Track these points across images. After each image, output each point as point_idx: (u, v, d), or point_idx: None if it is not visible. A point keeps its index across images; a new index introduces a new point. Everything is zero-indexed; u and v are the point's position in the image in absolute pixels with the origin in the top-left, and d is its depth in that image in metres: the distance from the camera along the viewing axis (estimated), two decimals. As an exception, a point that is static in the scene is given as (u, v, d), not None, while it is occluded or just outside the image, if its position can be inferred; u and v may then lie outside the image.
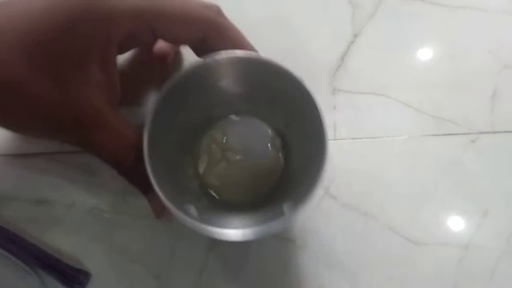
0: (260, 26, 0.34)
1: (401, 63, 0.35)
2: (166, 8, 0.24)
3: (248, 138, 0.30)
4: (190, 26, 0.24)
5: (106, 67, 0.24)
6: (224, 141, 0.30)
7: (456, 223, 0.31)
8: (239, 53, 0.24)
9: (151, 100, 0.24)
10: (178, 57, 0.32)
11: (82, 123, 0.24)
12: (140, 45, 0.26)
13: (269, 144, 0.30)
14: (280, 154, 0.30)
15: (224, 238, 0.23)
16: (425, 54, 0.35)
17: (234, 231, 0.23)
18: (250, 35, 0.29)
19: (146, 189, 0.24)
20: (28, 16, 0.22)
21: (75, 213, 0.30)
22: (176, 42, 0.28)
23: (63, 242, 0.29)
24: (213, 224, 0.23)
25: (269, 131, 0.30)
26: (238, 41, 0.26)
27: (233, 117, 0.30)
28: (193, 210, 0.24)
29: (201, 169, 0.29)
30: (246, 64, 0.25)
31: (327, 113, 0.33)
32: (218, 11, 0.25)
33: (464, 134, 0.33)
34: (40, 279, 0.28)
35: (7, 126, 0.25)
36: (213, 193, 0.29)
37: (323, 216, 0.31)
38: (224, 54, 0.24)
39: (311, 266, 0.30)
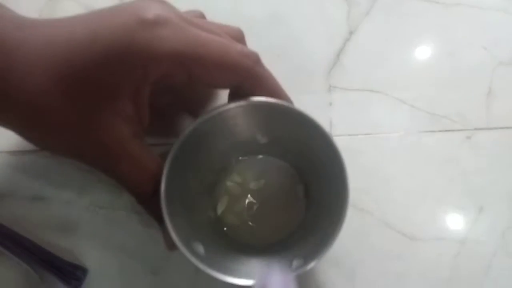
0: (256, 24, 0.34)
1: (396, 60, 0.35)
2: (206, 54, 0.24)
3: (273, 180, 0.30)
4: (226, 74, 0.24)
5: (137, 101, 0.24)
6: (248, 182, 0.30)
7: (451, 219, 0.31)
8: (266, 99, 0.24)
9: (177, 139, 0.24)
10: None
11: (106, 152, 0.24)
12: (175, 85, 0.26)
13: (295, 190, 0.30)
14: (301, 201, 0.30)
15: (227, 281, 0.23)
16: (420, 51, 0.35)
17: (236, 280, 0.23)
18: (246, 32, 0.29)
19: (160, 220, 0.24)
20: (68, 44, 0.23)
21: (72, 210, 0.30)
22: (211, 86, 0.28)
23: (60, 239, 0.30)
24: (217, 268, 0.23)
25: (295, 174, 0.30)
26: (275, 92, 0.26)
27: (259, 156, 0.30)
28: (201, 249, 0.24)
29: (219, 209, 0.30)
30: (271, 110, 0.25)
31: (323, 110, 0.34)
32: (257, 60, 0.25)
33: (459, 130, 0.33)
34: (37, 275, 0.28)
35: (35, 144, 0.26)
36: (228, 232, 0.29)
37: (319, 212, 0.31)
38: (251, 100, 0.24)
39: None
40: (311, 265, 0.23)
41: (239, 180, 0.30)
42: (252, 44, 0.30)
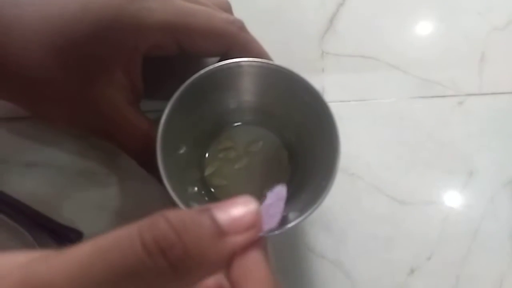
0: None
1: (390, 26, 0.35)
2: (193, 23, 0.25)
3: (257, 146, 0.31)
4: (214, 41, 0.25)
5: (130, 71, 0.26)
6: (233, 147, 0.30)
7: (441, 184, 0.32)
8: (260, 60, 0.25)
9: (169, 101, 0.25)
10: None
11: (104, 120, 0.26)
12: (165, 54, 0.27)
13: (279, 157, 0.30)
14: (286, 165, 0.30)
15: None
16: (414, 16, 0.35)
17: None
18: (238, -2, 0.29)
19: (161, 181, 0.25)
20: (61, 18, 0.24)
21: (66, 175, 0.31)
22: (200, 54, 0.29)
23: (55, 203, 0.30)
24: None
25: (278, 142, 0.31)
26: (261, 56, 0.27)
27: (245, 125, 0.31)
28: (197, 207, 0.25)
29: (207, 171, 0.30)
30: (265, 71, 0.25)
31: (316, 75, 0.33)
32: (241, 26, 0.26)
33: (451, 96, 0.33)
34: (32, 237, 0.28)
35: (38, 117, 0.27)
36: (216, 194, 0.30)
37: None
38: (246, 61, 0.25)
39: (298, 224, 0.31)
40: (309, 213, 0.23)
41: (227, 145, 0.30)
42: (244, 11, 0.29)
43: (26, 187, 0.30)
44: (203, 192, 0.29)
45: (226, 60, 0.25)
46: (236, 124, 0.31)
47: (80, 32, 0.24)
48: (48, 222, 0.28)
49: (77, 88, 0.25)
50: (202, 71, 0.24)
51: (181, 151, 0.27)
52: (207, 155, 0.30)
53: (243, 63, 0.25)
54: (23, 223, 0.28)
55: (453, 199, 0.32)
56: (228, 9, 0.29)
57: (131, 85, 0.26)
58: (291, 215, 0.24)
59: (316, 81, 0.33)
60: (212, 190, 0.30)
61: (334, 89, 0.33)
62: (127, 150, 0.27)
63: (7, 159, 0.31)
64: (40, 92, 0.25)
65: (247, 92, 0.28)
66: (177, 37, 0.25)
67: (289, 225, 0.23)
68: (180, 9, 0.25)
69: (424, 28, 0.35)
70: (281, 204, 0.16)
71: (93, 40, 0.24)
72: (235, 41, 0.25)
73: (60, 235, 0.28)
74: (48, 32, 0.24)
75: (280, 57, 0.33)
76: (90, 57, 0.24)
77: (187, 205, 0.24)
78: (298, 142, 0.29)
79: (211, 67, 0.24)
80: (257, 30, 0.29)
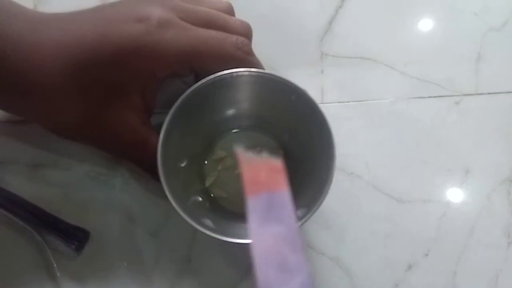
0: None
1: (388, 27, 0.35)
2: (205, 51, 0.27)
3: (254, 152, 0.31)
4: (224, 65, 0.27)
5: (145, 95, 0.27)
6: (228, 154, 0.31)
7: (438, 182, 0.33)
8: (251, 70, 0.27)
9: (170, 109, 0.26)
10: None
11: (119, 140, 0.28)
12: (179, 76, 0.29)
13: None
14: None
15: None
16: (411, 18, 0.36)
17: (232, 239, 0.24)
18: (238, 0, 0.29)
19: None
20: (79, 47, 0.25)
21: (72, 176, 0.31)
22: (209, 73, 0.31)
23: (62, 204, 0.31)
24: (231, 235, 0.24)
25: (272, 143, 0.32)
26: None
27: (238, 131, 0.32)
28: (208, 222, 0.26)
29: (208, 182, 0.31)
30: (254, 79, 0.27)
31: (315, 77, 0.34)
32: (248, 51, 0.28)
33: (448, 96, 0.34)
34: (41, 237, 0.29)
35: (52, 131, 0.28)
36: (220, 202, 0.31)
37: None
38: (239, 70, 0.26)
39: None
40: (315, 209, 0.24)
41: (221, 156, 0.31)
42: (244, 13, 0.30)
43: (34, 187, 0.31)
44: (207, 202, 0.30)
45: (219, 72, 0.26)
46: (234, 131, 0.32)
47: (97, 61, 0.25)
48: (56, 221, 0.29)
49: (95, 113, 0.27)
50: (200, 82, 0.26)
51: (183, 165, 0.29)
52: (206, 165, 0.31)
53: (234, 74, 0.26)
54: (32, 223, 0.29)
55: (450, 197, 0.32)
56: (231, 12, 0.30)
57: (145, 107, 0.28)
58: (299, 212, 0.25)
59: (315, 82, 0.34)
60: (216, 198, 0.31)
61: (333, 90, 0.34)
62: (140, 165, 0.29)
63: (15, 161, 0.32)
64: (60, 114, 0.27)
65: (241, 100, 0.29)
66: (191, 63, 0.27)
67: (303, 220, 0.24)
68: (194, 38, 0.27)
69: (421, 29, 0.35)
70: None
71: (111, 68, 0.26)
72: (242, 65, 0.27)
73: (68, 234, 0.29)
74: (67, 59, 0.25)
75: (280, 59, 0.34)
76: (107, 84, 0.26)
77: (199, 222, 0.24)
78: (293, 142, 0.30)
79: (207, 78, 0.26)
80: (257, 33, 0.30)
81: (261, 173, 0.15)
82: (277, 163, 0.15)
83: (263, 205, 0.14)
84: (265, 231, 0.13)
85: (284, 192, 0.15)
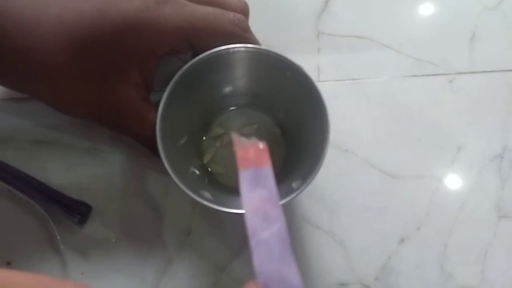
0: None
1: (383, 6, 0.36)
2: (203, 27, 0.27)
3: (251, 129, 0.32)
4: (221, 41, 0.27)
5: (144, 71, 0.28)
6: (226, 131, 0.32)
7: (431, 158, 0.33)
8: (244, 45, 0.27)
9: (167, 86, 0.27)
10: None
11: (119, 116, 0.28)
12: (177, 53, 0.30)
13: (273, 136, 0.32)
14: (281, 141, 0.32)
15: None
16: (407, -3, 0.36)
17: (230, 210, 0.25)
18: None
19: None
20: (80, 23, 0.26)
21: (74, 153, 0.32)
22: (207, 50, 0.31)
23: (64, 179, 0.31)
24: (227, 207, 0.25)
25: (268, 120, 0.32)
26: None
27: (235, 108, 0.32)
28: (207, 194, 0.27)
29: (206, 158, 0.32)
30: (249, 55, 0.27)
31: (311, 55, 0.35)
32: (245, 28, 0.29)
33: (442, 74, 0.35)
34: (44, 211, 0.30)
35: (57, 110, 0.29)
36: (219, 180, 0.31)
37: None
38: (235, 46, 0.27)
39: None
40: (310, 181, 0.25)
41: (219, 133, 0.32)
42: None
43: (36, 164, 0.32)
44: (205, 177, 0.31)
45: (215, 48, 0.26)
46: (231, 108, 0.32)
47: (98, 37, 0.26)
48: (59, 196, 0.30)
49: (96, 88, 0.27)
50: (196, 58, 0.26)
51: (182, 141, 0.29)
52: (204, 142, 0.32)
53: (231, 49, 0.27)
54: (36, 198, 0.30)
55: (442, 172, 0.33)
56: None
57: (145, 83, 0.28)
58: (294, 185, 0.26)
59: (311, 61, 0.34)
60: (213, 173, 0.32)
61: (329, 69, 0.34)
62: (140, 140, 0.29)
63: (17, 138, 0.32)
64: (62, 92, 0.27)
65: (237, 76, 0.29)
66: (189, 39, 0.28)
67: (298, 191, 0.25)
68: (191, 14, 0.27)
69: (417, 8, 0.36)
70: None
71: (111, 45, 0.26)
72: (240, 41, 0.27)
73: (71, 208, 0.30)
74: (67, 36, 0.26)
75: (276, 38, 0.34)
76: (107, 59, 0.27)
77: (197, 193, 0.25)
78: (289, 118, 0.31)
79: (203, 54, 0.26)
80: (254, 11, 0.30)
81: (250, 152, 0.19)
82: (263, 145, 0.19)
83: (251, 176, 0.18)
84: (253, 194, 0.17)
85: (267, 167, 0.18)
